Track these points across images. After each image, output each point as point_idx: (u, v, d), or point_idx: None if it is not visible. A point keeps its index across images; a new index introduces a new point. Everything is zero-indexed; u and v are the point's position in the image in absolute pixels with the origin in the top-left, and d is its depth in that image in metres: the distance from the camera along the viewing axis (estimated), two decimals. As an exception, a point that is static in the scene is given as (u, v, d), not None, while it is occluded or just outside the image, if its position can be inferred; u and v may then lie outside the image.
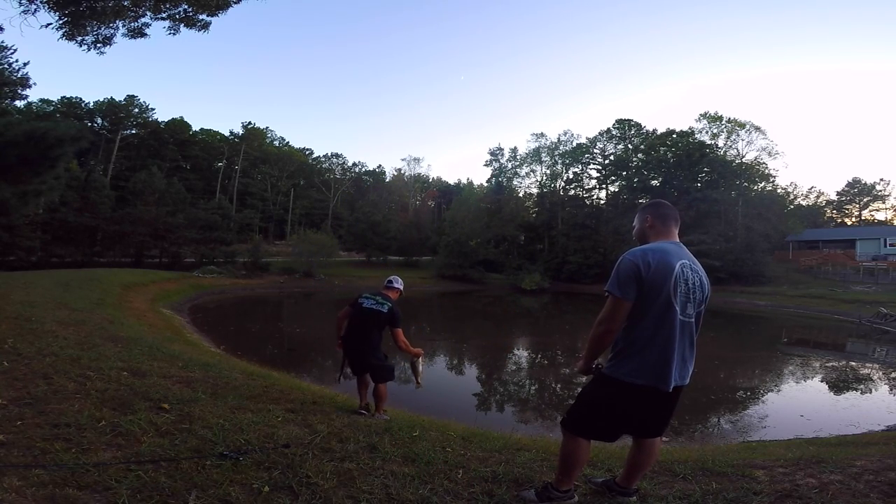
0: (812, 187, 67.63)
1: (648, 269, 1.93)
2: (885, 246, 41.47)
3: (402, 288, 4.48)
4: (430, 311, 28.54)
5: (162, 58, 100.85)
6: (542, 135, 52.29)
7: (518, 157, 53.90)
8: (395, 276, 4.57)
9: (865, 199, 62.46)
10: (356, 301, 4.24)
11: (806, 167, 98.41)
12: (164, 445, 2.64)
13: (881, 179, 61.26)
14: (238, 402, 3.85)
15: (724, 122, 44.87)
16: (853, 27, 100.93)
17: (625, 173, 49.80)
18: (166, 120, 59.03)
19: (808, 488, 2.45)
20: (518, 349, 16.95)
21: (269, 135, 69.70)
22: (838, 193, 64.18)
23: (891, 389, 11.37)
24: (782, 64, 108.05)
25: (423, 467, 2.65)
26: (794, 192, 62.87)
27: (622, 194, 50.38)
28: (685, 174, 44.34)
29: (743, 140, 44.76)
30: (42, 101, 49.24)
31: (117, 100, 54.30)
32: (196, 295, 24.73)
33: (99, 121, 54.12)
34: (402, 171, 77.10)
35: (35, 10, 6.82)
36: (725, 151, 45.39)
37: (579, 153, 51.64)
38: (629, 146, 50.99)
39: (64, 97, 52.95)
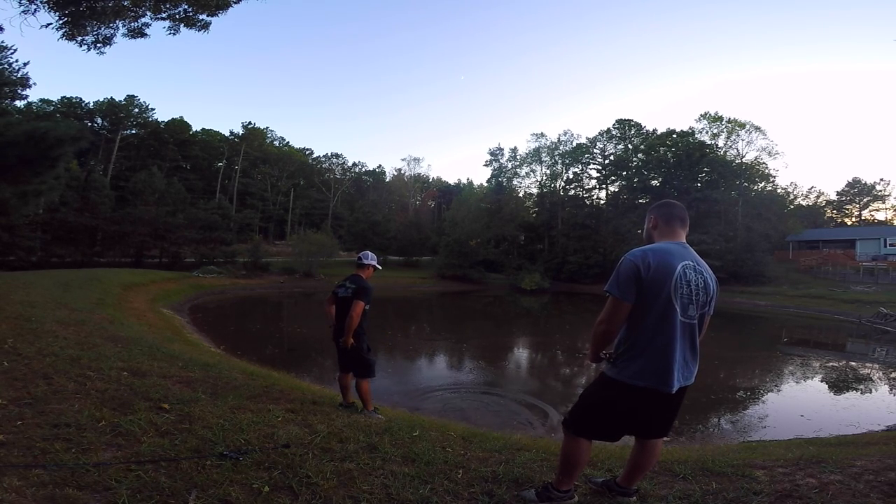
0: (812, 187, 67.63)
1: (649, 270, 1.92)
2: (885, 246, 41.39)
3: (374, 263, 4.29)
4: (430, 311, 28.54)
5: (162, 58, 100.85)
6: (542, 135, 52.31)
7: (518, 157, 53.91)
8: (365, 251, 4.40)
9: (865, 199, 62.37)
10: (334, 291, 4.25)
11: (806, 167, 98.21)
12: (164, 445, 2.64)
13: (881, 179, 61.25)
14: (238, 402, 3.85)
15: (724, 122, 44.85)
16: (853, 27, 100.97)
17: (625, 173, 49.70)
18: (166, 120, 59.00)
19: (808, 488, 2.45)
20: (518, 349, 16.95)
21: (269, 135, 69.65)
22: (838, 193, 64.12)
23: (891, 389, 11.37)
24: (782, 64, 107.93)
25: (423, 467, 2.65)
26: (794, 192, 62.85)
27: (622, 194, 50.34)
28: (685, 174, 44.30)
29: (743, 140, 44.80)
30: (42, 101, 49.16)
31: (117, 100, 54.25)
32: (196, 295, 24.71)
33: (99, 121, 54.01)
34: (402, 171, 77.20)
35: (35, 10, 6.83)
36: (725, 151, 45.39)
37: (579, 153, 51.60)
38: (629, 146, 50.90)
39: (64, 97, 52.93)
